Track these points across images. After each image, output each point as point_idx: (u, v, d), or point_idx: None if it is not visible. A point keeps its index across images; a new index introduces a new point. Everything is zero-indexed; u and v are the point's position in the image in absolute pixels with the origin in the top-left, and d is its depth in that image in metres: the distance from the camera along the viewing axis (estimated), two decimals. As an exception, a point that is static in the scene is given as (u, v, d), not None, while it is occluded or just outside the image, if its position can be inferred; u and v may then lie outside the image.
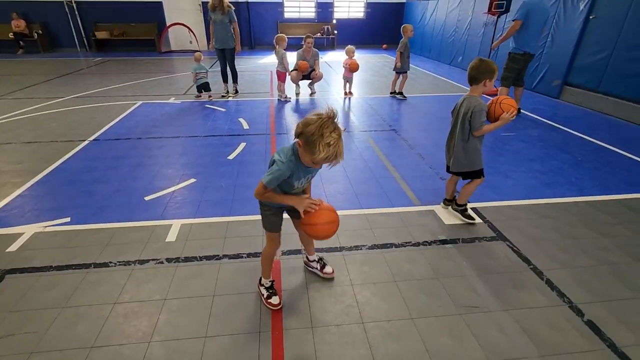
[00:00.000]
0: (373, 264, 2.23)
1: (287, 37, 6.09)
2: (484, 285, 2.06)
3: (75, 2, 11.46)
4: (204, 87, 6.04)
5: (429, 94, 6.79)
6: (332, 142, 1.37)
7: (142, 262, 2.21)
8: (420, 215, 2.76)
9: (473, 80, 2.37)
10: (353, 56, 6.16)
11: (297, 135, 1.46)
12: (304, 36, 5.91)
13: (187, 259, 2.25)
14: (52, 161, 3.60)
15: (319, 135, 1.37)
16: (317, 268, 2.12)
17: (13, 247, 2.33)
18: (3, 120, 4.88)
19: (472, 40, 8.79)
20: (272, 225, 1.83)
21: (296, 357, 1.63)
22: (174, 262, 2.22)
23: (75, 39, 11.92)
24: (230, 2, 5.72)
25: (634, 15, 4.94)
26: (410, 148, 4.09)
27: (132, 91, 6.66)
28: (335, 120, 1.42)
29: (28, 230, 2.49)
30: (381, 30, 13.43)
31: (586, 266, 2.22)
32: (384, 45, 13.41)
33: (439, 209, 2.84)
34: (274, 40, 5.82)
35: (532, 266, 2.22)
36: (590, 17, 5.57)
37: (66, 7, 11.40)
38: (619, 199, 3.01)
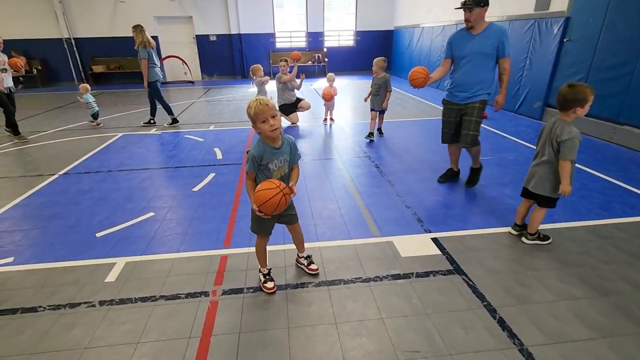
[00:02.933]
0: (318, 303, 2.10)
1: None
2: (430, 326, 1.92)
3: (74, 38, 11.90)
4: (94, 116, 6.46)
5: (411, 118, 6.79)
6: (250, 105, 1.86)
7: (73, 305, 2.11)
8: (376, 248, 2.64)
9: (561, 107, 2.31)
10: (332, 83, 6.22)
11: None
12: (279, 60, 6.01)
13: (121, 301, 2.14)
14: (14, 197, 3.57)
15: (248, 107, 1.87)
16: (304, 264, 2.36)
17: (-55, 291, 2.25)
18: (-20, 156, 4.91)
19: (457, 64, 8.89)
20: (259, 228, 2.12)
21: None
22: (107, 304, 2.11)
23: (73, 73, 12.28)
24: (148, 40, 5.87)
25: (606, 36, 4.96)
26: (380, 175, 4.02)
27: (116, 123, 6.75)
28: (257, 100, 1.85)
29: (-35, 272, 2.42)
30: (371, 56, 13.48)
31: (544, 302, 2.08)
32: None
33: (398, 240, 2.72)
34: (250, 71, 5.91)
35: (485, 303, 2.08)
36: (565, 39, 5.61)
37: (65, 43, 11.83)
38: (589, 226, 2.88)
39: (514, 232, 2.76)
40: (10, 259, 2.57)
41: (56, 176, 4.12)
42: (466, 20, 3.12)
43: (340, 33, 13.52)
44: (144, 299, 2.15)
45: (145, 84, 6.08)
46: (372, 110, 5.29)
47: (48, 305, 2.11)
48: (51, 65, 12.23)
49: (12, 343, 1.85)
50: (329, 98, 6.11)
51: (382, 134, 5.59)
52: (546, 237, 2.64)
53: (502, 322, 1.93)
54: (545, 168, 2.42)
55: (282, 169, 2.02)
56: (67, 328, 1.94)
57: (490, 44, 3.09)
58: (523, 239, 2.67)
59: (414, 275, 2.33)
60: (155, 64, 6.06)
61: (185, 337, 1.87)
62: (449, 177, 3.82)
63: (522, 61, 6.53)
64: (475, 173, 3.68)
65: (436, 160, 4.43)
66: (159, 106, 6.43)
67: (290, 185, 1.98)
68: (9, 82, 5.61)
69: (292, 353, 1.77)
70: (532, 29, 6.24)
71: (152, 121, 6.55)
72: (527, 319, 1.95)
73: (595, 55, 5.14)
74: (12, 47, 11.54)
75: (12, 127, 5.60)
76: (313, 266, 2.36)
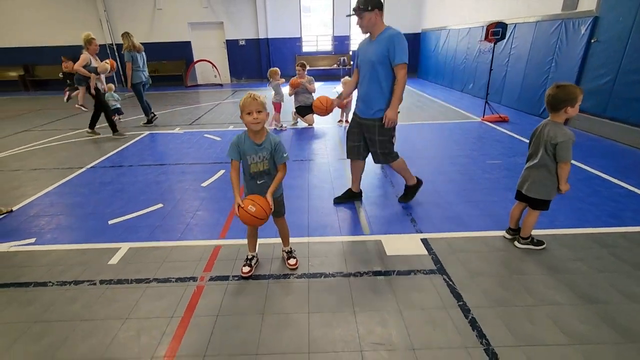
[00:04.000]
0: (296, 294, 2.19)
1: (308, 68, 6.40)
2: (400, 321, 1.95)
3: (115, 44, 12.79)
4: (116, 112, 7.11)
5: (429, 121, 6.70)
6: (243, 97, 2.00)
7: (77, 282, 2.34)
8: (363, 245, 2.69)
9: (551, 108, 2.28)
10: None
11: None
12: (297, 65, 6.16)
13: (118, 282, 2.34)
14: (46, 187, 3.95)
15: (240, 103, 2.03)
16: (284, 257, 2.47)
17: (-25, 264, 2.56)
18: (22, 150, 5.45)
19: (482, 67, 8.65)
20: None
21: (175, 385, 1.62)
22: (106, 284, 2.32)
23: (114, 77, 13.19)
24: (133, 44, 6.47)
25: (636, 37, 4.68)
26: (384, 176, 4.04)
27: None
28: (248, 94, 2.00)
29: (-6, 249, 2.74)
30: (397, 59, 13.60)
31: (523, 306, 2.04)
32: (401, 74, 13.54)
33: (387, 239, 2.75)
34: (268, 74, 6.12)
35: (461, 303, 2.07)
36: (592, 40, 5.34)
37: (107, 49, 12.75)
38: (592, 233, 2.75)
39: (508, 236, 2.71)
40: (32, 240, 2.88)
41: (84, 169, 4.51)
42: (360, 27, 2.83)
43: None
44: (138, 281, 2.34)
45: (129, 84, 6.58)
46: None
47: (57, 281, 2.35)
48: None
49: (22, 312, 2.10)
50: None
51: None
52: (540, 242, 2.56)
53: (473, 322, 1.93)
54: (540, 171, 2.37)
55: (260, 164, 2.12)
56: (69, 302, 2.17)
57: (380, 51, 2.73)
58: (515, 243, 2.61)
59: (395, 273, 2.36)
60: (139, 67, 6.57)
61: (168, 316, 2.03)
62: (346, 198, 3.38)
63: (548, 63, 6.27)
64: (408, 189, 3.32)
65: (444, 163, 4.38)
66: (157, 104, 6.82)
67: (266, 195, 2.11)
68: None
69: (261, 336, 1.87)
70: (559, 30, 5.98)
71: (153, 118, 7.00)
72: (500, 321, 1.93)
73: (624, 57, 4.85)
74: (62, 53, 12.64)
75: (111, 124, 6.07)
76: (291, 261, 2.44)
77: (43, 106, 9.55)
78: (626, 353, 1.72)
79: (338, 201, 3.39)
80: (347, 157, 3.27)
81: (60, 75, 12.70)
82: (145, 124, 6.90)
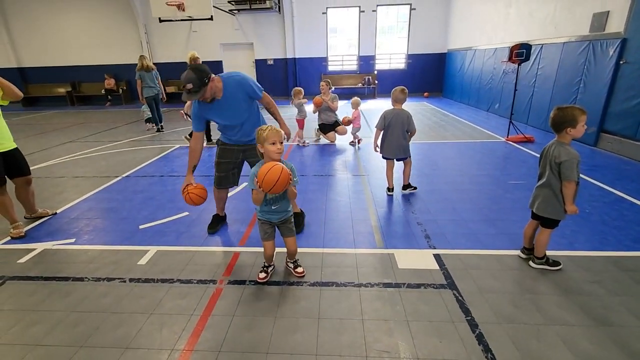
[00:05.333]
0: (307, 300, 2.29)
1: (333, 87, 6.70)
2: (407, 332, 2.00)
3: (154, 63, 13.69)
4: (149, 120, 8.50)
5: (451, 140, 6.70)
6: (264, 128, 2.21)
7: (109, 279, 2.56)
8: (376, 258, 2.76)
9: (554, 129, 2.36)
10: (357, 107, 6.31)
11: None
12: (321, 82, 6.40)
13: (146, 280, 2.54)
14: (85, 193, 4.30)
15: (260, 129, 2.22)
16: (291, 267, 2.60)
17: (23, 259, 2.85)
18: (67, 159, 5.94)
19: (508, 87, 8.58)
20: (262, 234, 2.43)
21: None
22: (135, 282, 2.53)
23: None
24: (142, 65, 7.67)
25: (667, 58, 4.57)
26: (401, 193, 4.10)
27: (177, 136, 7.64)
28: (270, 127, 2.22)
29: (39, 247, 3.03)
30: (422, 79, 13.71)
31: (532, 324, 2.04)
32: (426, 94, 13.59)
33: (399, 253, 2.81)
34: (292, 93, 6.39)
35: (469, 317, 2.10)
36: (621, 62, 5.24)
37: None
38: (612, 256, 2.69)
39: (523, 256, 2.70)
40: (72, 240, 3.16)
41: (120, 178, 4.86)
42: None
43: (391, 56, 13.78)
44: (163, 281, 2.53)
45: (140, 97, 7.82)
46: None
47: (92, 277, 2.58)
48: (134, 86, 14.14)
49: (61, 302, 2.32)
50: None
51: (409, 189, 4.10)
52: (556, 263, 2.54)
53: (480, 337, 1.95)
54: (547, 191, 2.39)
55: None
56: (101, 296, 2.37)
57: (241, 97, 2.86)
58: (530, 262, 2.60)
59: (405, 285, 2.42)
60: (148, 84, 7.75)
61: (188, 313, 2.19)
62: (216, 224, 3.30)
63: (576, 84, 6.18)
64: (296, 217, 2.86)
65: (464, 181, 4.39)
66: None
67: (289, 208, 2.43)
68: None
69: (272, 338, 1.98)
70: (587, 51, 5.91)
71: (160, 129, 8.18)
72: (507, 337, 1.94)
73: (654, 78, 4.74)
74: (105, 71, 13.70)
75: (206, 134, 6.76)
76: (299, 269, 2.56)
77: (85, 120, 10.32)
78: (637, 377, 1.69)
79: (211, 231, 3.22)
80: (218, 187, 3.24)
81: (103, 91, 13.80)
82: (156, 131, 8.15)
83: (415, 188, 4.10)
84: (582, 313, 2.11)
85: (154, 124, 8.25)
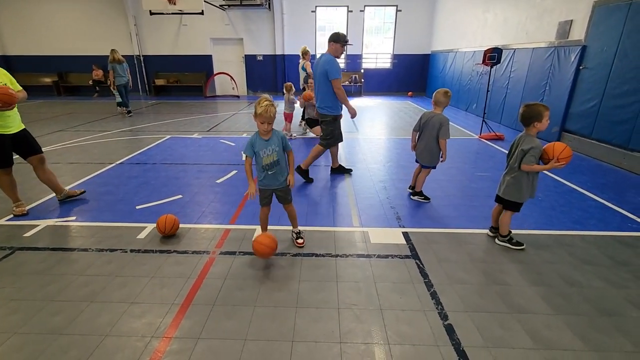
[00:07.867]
0: (289, 267, 2.64)
1: None
2: (373, 290, 2.37)
3: (142, 55, 13.76)
4: (120, 105, 9.61)
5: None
6: (261, 104, 2.46)
7: (112, 250, 2.84)
8: (352, 234, 3.13)
9: (523, 123, 2.71)
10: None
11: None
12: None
13: (145, 251, 2.83)
14: (81, 178, 4.53)
15: (257, 104, 2.49)
16: (294, 238, 2.95)
17: (29, 233, 3.10)
18: (60, 147, 6.11)
19: (484, 88, 9.08)
20: (260, 200, 2.80)
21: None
22: (135, 252, 2.82)
23: (139, 85, 14.12)
24: (113, 58, 8.86)
25: (619, 65, 5.08)
26: (380, 182, 4.48)
27: (167, 127, 7.85)
28: (268, 99, 2.51)
29: (42, 223, 3.28)
30: (407, 78, 14.19)
31: (474, 283, 2.44)
32: (410, 93, 14.07)
33: (373, 230, 3.19)
34: (284, 88, 6.71)
35: (427, 280, 2.49)
36: (581, 67, 5.76)
37: (135, 60, 13.71)
38: (552, 234, 3.14)
39: (490, 234, 3.09)
40: (74, 217, 3.41)
41: (114, 165, 5.09)
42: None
43: (377, 55, 14.20)
44: (161, 251, 2.83)
45: (112, 86, 9.15)
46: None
47: (95, 248, 2.86)
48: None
49: (69, 268, 2.60)
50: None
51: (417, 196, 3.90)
52: (519, 243, 2.90)
53: (434, 294, 2.34)
54: (511, 177, 2.79)
55: (271, 156, 2.62)
56: (105, 263, 2.66)
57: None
58: (496, 240, 3.00)
59: (376, 256, 2.79)
60: (119, 74, 8.95)
61: (185, 277, 2.50)
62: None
63: (543, 87, 6.69)
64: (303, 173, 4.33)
65: (435, 172, 4.78)
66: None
67: (287, 177, 2.75)
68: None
69: (259, 297, 2.32)
70: (552, 57, 6.43)
71: (128, 112, 9.26)
72: (456, 294, 2.34)
73: (608, 82, 5.25)
74: (93, 62, 13.65)
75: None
76: (299, 240, 2.93)
77: (73, 110, 10.36)
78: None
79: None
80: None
81: (90, 82, 13.75)
82: (127, 114, 9.25)
83: (427, 199, 3.83)
84: (519, 275, 2.53)
85: (124, 107, 9.31)
